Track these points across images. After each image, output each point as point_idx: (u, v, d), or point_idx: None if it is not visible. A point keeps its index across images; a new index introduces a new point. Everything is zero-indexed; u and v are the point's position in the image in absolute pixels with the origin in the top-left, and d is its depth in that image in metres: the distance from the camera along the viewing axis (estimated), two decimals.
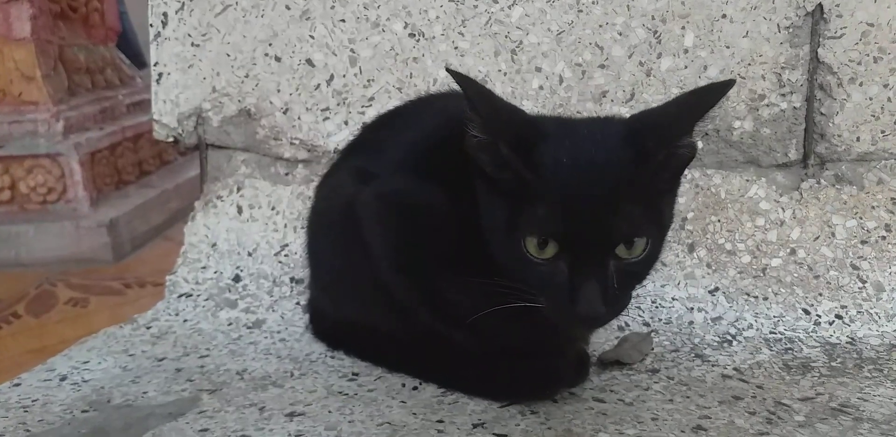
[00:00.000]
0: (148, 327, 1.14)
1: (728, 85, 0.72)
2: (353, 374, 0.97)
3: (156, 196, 2.47)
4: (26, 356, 1.50)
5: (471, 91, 0.72)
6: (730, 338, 1.08)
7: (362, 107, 1.27)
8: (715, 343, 1.06)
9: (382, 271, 0.87)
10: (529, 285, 0.74)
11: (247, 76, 1.29)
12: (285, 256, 1.26)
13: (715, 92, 0.72)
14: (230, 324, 1.15)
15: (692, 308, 1.14)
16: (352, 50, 1.26)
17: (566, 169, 0.70)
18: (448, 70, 0.74)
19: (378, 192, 0.87)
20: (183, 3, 1.28)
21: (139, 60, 3.37)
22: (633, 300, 1.11)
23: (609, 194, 0.69)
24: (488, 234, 0.77)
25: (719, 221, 1.20)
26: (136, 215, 2.31)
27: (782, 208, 1.20)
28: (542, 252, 0.71)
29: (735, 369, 0.99)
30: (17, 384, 0.96)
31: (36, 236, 2.13)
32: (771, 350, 1.04)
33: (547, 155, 0.71)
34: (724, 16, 1.18)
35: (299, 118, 1.28)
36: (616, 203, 0.69)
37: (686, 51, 1.20)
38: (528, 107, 1.22)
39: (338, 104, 1.27)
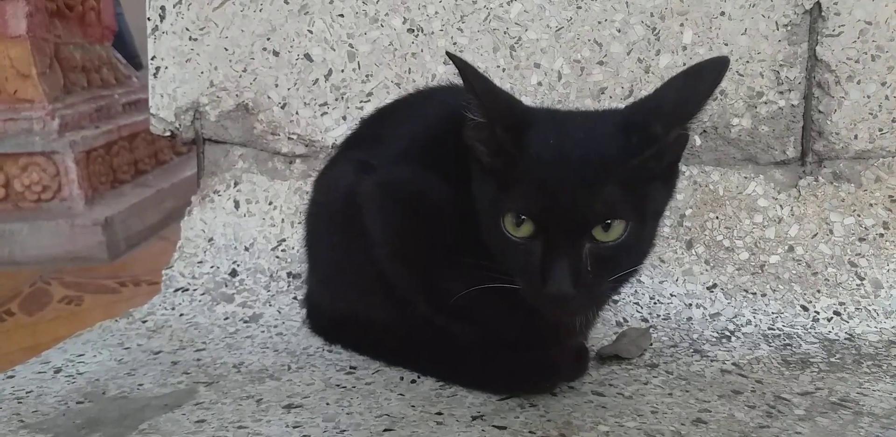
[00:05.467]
0: (144, 321, 1.13)
1: (723, 61, 0.73)
2: (351, 367, 0.96)
3: (151, 195, 2.47)
4: (19, 354, 1.49)
5: (468, 74, 0.72)
6: (728, 334, 1.07)
7: (360, 102, 1.26)
8: (713, 339, 1.06)
9: (382, 260, 0.87)
10: (509, 266, 0.75)
11: (245, 71, 1.28)
12: (282, 251, 1.25)
13: (713, 69, 0.73)
14: (227, 318, 1.14)
15: (690, 304, 1.13)
16: (350, 45, 1.26)
17: (550, 150, 0.71)
18: (448, 54, 0.75)
19: (379, 181, 0.87)
20: None
21: (135, 62, 3.37)
22: (630, 296, 1.14)
23: (590, 176, 0.70)
24: (479, 215, 0.78)
25: (717, 218, 1.20)
26: (131, 214, 2.31)
27: (780, 206, 1.20)
28: (518, 230, 0.73)
29: (734, 364, 0.98)
30: (11, 376, 0.95)
31: (30, 234, 2.12)
32: (769, 346, 1.04)
33: (535, 138, 0.72)
34: (722, 13, 1.19)
35: (297, 113, 1.28)
36: (596, 185, 0.70)
37: (685, 48, 1.20)
38: (527, 103, 1.21)
39: (336, 99, 1.27)
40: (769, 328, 1.09)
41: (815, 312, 1.11)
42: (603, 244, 0.71)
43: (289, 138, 1.29)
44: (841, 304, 1.12)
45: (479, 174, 0.78)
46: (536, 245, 0.72)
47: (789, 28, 1.18)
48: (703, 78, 0.72)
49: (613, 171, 0.70)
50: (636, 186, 0.72)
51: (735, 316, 1.11)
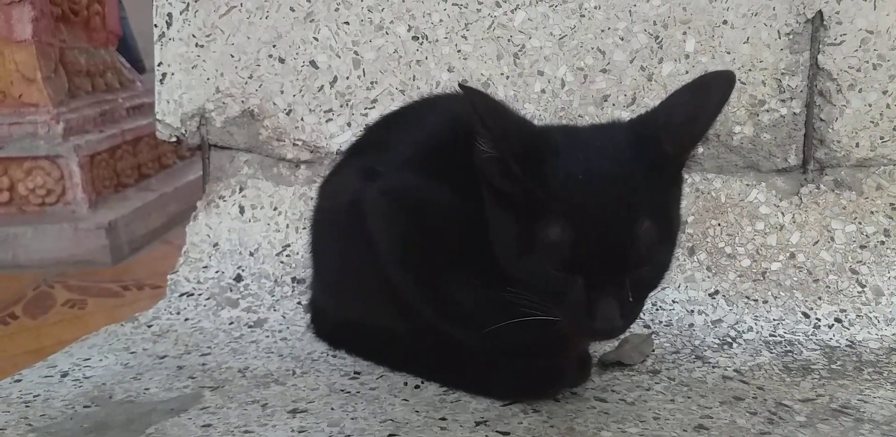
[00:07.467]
0: (149, 326, 1.14)
1: (729, 77, 0.73)
2: (355, 373, 0.97)
3: (155, 199, 2.48)
4: (23, 357, 1.50)
5: (480, 106, 0.70)
6: (730, 340, 1.08)
7: (365, 109, 1.27)
8: (715, 345, 1.07)
9: (387, 267, 0.88)
10: (543, 297, 0.74)
11: (250, 77, 1.29)
12: (287, 256, 1.26)
13: (720, 85, 0.72)
14: (231, 323, 1.15)
15: (692, 311, 1.14)
16: (355, 52, 1.27)
17: (579, 185, 0.70)
18: (459, 85, 0.73)
19: (384, 187, 0.87)
20: (188, 4, 1.29)
21: (139, 66, 3.39)
22: None
23: (625, 215, 0.69)
24: (497, 248, 0.77)
25: (719, 224, 1.21)
26: (134, 218, 2.31)
27: (782, 213, 1.20)
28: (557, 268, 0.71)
29: (735, 370, 0.99)
30: (18, 380, 0.95)
31: (34, 238, 2.13)
32: (771, 353, 1.04)
33: (559, 169, 0.70)
34: (725, 22, 1.20)
35: (302, 120, 1.29)
36: (632, 224, 0.69)
37: (687, 56, 1.21)
38: (530, 110, 1.23)
39: (341, 106, 1.28)
40: (770, 335, 1.09)
41: (817, 319, 1.12)
42: (642, 272, 0.72)
43: (294, 144, 1.30)
44: (842, 311, 1.13)
45: (495, 205, 0.76)
46: (578, 280, 0.71)
47: (791, 37, 1.19)
48: (710, 95, 0.72)
49: (642, 202, 0.69)
50: (665, 211, 0.73)
51: (737, 323, 1.12)
